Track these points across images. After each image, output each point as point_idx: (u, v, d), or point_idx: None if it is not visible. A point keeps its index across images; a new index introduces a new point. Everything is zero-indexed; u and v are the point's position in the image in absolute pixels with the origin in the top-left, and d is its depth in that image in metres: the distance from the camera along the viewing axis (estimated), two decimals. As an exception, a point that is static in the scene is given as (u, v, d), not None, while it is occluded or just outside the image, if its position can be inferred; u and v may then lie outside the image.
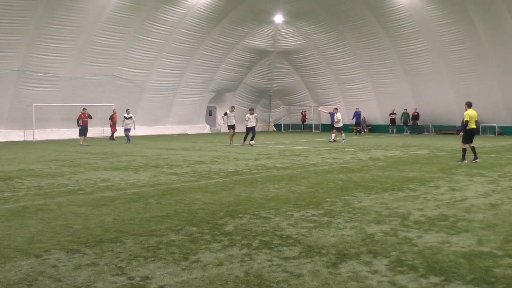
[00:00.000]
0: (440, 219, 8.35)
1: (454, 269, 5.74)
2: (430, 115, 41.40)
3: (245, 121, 27.48)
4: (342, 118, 31.81)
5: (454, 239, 7.05)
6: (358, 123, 42.71)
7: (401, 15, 37.18)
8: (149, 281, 5.30)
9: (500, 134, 36.87)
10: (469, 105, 17.37)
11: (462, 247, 6.61)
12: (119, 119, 34.04)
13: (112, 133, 34.75)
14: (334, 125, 30.90)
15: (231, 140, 28.26)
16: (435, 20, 36.01)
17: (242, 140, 27.78)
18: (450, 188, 11.75)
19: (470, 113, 17.08)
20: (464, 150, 17.34)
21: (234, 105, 34.24)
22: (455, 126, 39.79)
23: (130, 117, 31.36)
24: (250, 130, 27.18)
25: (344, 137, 30.96)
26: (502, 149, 23.46)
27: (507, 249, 6.55)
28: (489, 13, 33.40)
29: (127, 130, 30.99)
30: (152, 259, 6.10)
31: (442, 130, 41.01)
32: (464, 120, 17.40)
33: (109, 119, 35.02)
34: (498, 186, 12.07)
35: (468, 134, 17.16)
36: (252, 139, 26.82)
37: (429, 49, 37.95)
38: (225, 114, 29.08)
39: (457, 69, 37.49)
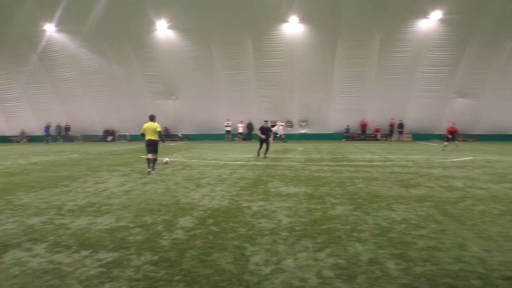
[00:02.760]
0: (88, 206, 8.22)
1: (99, 242, 5.75)
2: (79, 127, 39.96)
3: None
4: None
5: (99, 220, 7.05)
6: (48, 134, 37.49)
7: (54, 49, 35.02)
8: None
9: (131, 140, 38.27)
10: (150, 118, 13.85)
11: (105, 225, 6.67)
12: None
13: None
14: None
15: None
16: (81, 55, 35.17)
17: None
18: (96, 182, 11.65)
19: (145, 126, 13.70)
20: (147, 160, 13.64)
21: None
22: (98, 135, 39.55)
23: None
24: None
25: None
26: (133, 151, 24.46)
27: (136, 222, 6.89)
28: (120, 50, 34.33)
29: None
30: None
31: (89, 138, 40.15)
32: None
33: None
34: (130, 177, 12.53)
35: (147, 144, 13.64)
36: None
37: (76, 76, 36.68)
38: None
39: (98, 93, 37.27)
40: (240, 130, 36.87)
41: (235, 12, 30.19)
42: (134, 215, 7.36)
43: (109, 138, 39.07)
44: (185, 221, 6.91)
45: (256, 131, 21.70)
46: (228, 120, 36.50)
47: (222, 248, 5.49)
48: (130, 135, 38.44)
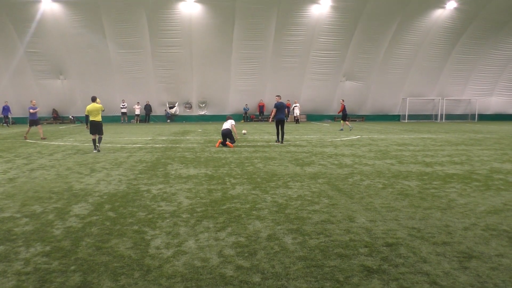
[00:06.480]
0: (-36, 197, 7.38)
1: (-20, 236, 5.22)
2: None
3: None
4: None
5: (-21, 211, 6.38)
6: None
7: None
8: None
9: (14, 123, 34.93)
10: (92, 99, 14.42)
11: (-14, 217, 6.06)
12: None
13: None
14: None
15: None
16: None
17: None
18: (-27, 170, 10.49)
19: (88, 107, 14.19)
20: (93, 141, 14.26)
21: None
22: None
23: None
24: None
25: None
26: (16, 135, 22.39)
27: (23, 211, 6.38)
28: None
29: None
30: None
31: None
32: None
33: None
34: (14, 164, 11.51)
35: (91, 125, 14.30)
36: None
37: None
38: None
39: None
40: (137, 112, 35.64)
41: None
42: (20, 205, 6.80)
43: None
44: (79, 208, 6.56)
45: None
46: (123, 101, 35.02)
47: (121, 234, 5.32)
48: (13, 118, 34.97)
